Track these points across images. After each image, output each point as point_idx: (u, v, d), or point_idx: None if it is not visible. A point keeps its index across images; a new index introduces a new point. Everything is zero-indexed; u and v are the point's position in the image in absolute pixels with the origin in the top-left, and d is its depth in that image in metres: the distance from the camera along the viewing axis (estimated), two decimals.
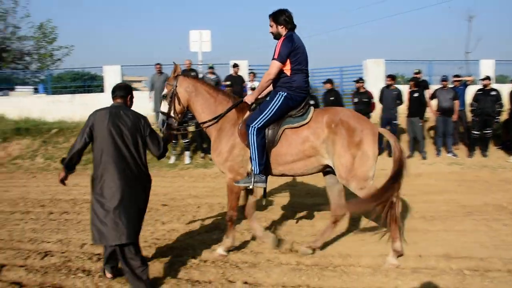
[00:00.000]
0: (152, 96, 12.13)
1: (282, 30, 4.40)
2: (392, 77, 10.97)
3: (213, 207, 6.72)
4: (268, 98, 4.50)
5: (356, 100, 10.87)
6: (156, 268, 4.29)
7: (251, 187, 4.38)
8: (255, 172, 4.31)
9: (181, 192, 8.10)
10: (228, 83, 11.38)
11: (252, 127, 4.24)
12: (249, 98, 4.59)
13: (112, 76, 15.07)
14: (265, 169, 4.39)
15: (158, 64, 12.13)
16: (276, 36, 4.44)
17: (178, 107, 4.70)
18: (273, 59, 4.31)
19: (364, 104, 10.66)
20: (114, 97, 4.02)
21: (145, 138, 3.90)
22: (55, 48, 24.52)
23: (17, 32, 23.61)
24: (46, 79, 21.24)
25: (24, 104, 15.41)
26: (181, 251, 4.82)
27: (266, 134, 4.35)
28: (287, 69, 4.33)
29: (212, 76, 12.19)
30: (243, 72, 13.41)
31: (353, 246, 4.86)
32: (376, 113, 11.17)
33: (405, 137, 11.42)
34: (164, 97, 4.77)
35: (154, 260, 4.50)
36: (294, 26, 4.44)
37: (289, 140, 4.37)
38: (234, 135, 4.51)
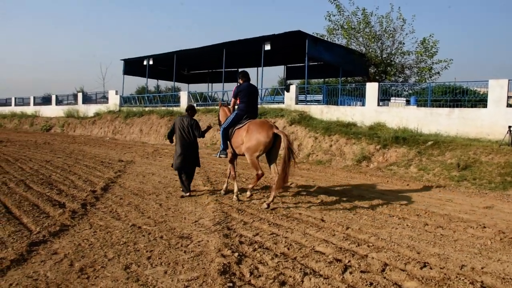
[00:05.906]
0: None
1: (241, 81, 8.54)
2: None
3: None
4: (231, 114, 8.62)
5: None
6: None
7: (217, 157, 9.06)
8: (220, 149, 8.59)
9: None
10: None
11: (222, 127, 8.49)
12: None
13: (497, 91, 14.05)
14: (229, 149, 8.49)
15: None
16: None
17: (220, 121, 9.21)
18: (232, 96, 8.77)
19: None
20: (186, 111, 8.86)
21: (193, 129, 8.66)
22: (434, 61, 25.04)
23: (401, 47, 25.48)
24: (421, 92, 22.01)
25: (402, 114, 16.47)
26: None
27: (229, 131, 8.36)
28: (238, 101, 8.50)
29: None
30: None
31: None
32: None
33: None
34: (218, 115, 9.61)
35: None
36: (248, 79, 8.62)
37: (236, 135, 8.17)
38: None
